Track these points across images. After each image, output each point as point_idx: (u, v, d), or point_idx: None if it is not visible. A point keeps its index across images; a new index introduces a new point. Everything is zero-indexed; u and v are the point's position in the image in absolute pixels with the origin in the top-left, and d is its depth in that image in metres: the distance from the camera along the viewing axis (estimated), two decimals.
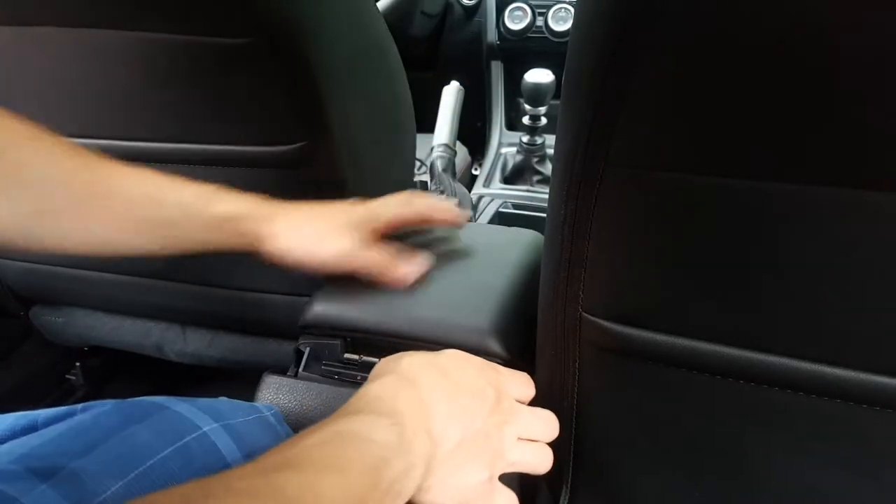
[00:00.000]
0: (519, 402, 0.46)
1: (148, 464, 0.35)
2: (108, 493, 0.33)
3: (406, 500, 0.34)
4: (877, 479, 0.40)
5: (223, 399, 0.44)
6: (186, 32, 0.50)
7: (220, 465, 0.38)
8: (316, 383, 0.52)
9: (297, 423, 0.49)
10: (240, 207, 0.50)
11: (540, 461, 0.44)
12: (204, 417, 0.40)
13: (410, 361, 0.40)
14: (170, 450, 0.36)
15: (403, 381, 0.38)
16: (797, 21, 0.26)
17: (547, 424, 0.46)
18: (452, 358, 0.42)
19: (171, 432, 0.38)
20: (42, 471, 0.32)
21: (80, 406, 0.40)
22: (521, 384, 0.47)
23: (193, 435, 0.38)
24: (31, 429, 0.38)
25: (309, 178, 0.59)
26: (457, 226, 0.58)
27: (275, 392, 0.50)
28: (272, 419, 0.45)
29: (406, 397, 0.37)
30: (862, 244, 0.31)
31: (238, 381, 0.49)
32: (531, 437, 0.44)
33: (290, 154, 0.57)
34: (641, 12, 0.28)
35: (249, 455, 0.40)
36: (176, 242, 0.50)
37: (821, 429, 0.39)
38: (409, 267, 0.53)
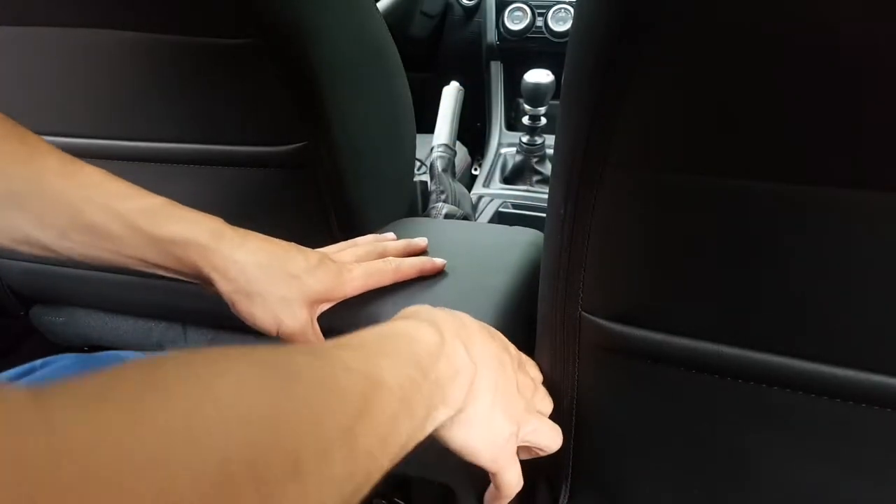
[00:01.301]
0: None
1: None
2: None
3: (454, 407, 0.35)
4: (877, 478, 0.40)
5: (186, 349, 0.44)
6: (187, 33, 0.50)
7: None
8: None
9: None
10: (189, 230, 0.45)
11: (554, 437, 0.45)
12: None
13: (431, 310, 0.40)
14: None
15: (429, 323, 0.38)
16: (797, 22, 0.26)
17: (550, 401, 0.47)
18: (471, 320, 0.42)
19: None
20: None
21: (39, 362, 0.39)
22: (532, 364, 0.48)
23: None
24: None
25: (309, 178, 0.59)
26: (432, 272, 0.55)
27: None
28: None
29: (444, 318, 0.38)
30: (861, 244, 0.31)
31: None
32: (543, 412, 0.45)
33: (289, 154, 0.57)
34: (641, 13, 0.28)
35: None
36: (113, 258, 0.45)
37: (820, 428, 0.39)
38: None
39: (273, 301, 0.46)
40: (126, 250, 0.44)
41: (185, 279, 0.47)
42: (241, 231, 0.47)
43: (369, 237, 0.57)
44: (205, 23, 0.49)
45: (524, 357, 0.47)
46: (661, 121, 0.32)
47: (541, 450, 0.45)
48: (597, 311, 0.41)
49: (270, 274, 0.46)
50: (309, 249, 0.50)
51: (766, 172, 0.31)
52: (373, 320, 0.52)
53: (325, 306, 0.50)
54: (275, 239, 0.48)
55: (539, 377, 0.48)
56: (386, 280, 0.52)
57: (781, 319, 0.36)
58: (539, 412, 0.45)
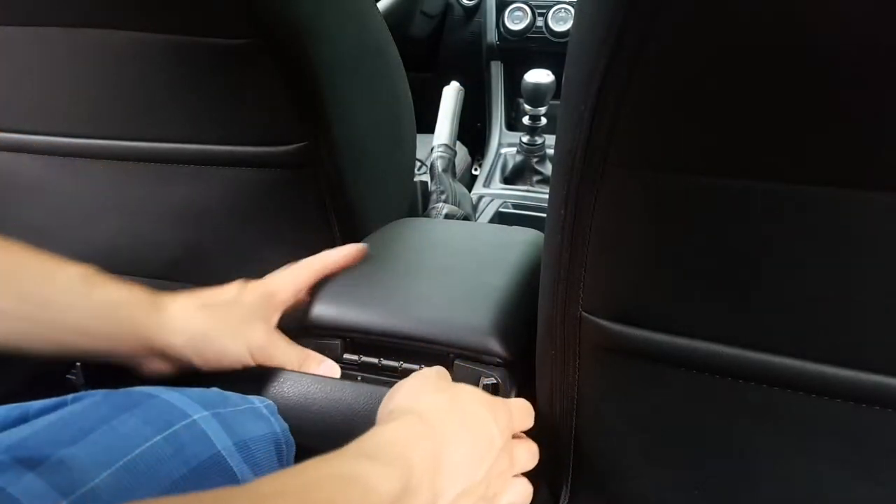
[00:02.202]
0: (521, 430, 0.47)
1: (136, 451, 0.35)
2: (96, 480, 0.33)
3: None
4: (877, 478, 0.40)
5: (214, 389, 0.44)
6: (187, 33, 0.50)
7: (209, 453, 0.37)
8: (320, 376, 0.52)
9: (301, 416, 0.49)
10: (121, 294, 0.45)
11: (526, 497, 0.45)
12: (193, 406, 0.39)
13: (434, 403, 0.39)
14: (159, 438, 0.36)
15: (424, 427, 0.37)
16: (797, 22, 0.26)
17: (534, 456, 0.46)
18: (471, 400, 0.41)
19: (160, 420, 0.37)
20: (29, 460, 0.32)
21: (70, 397, 0.40)
22: (524, 416, 0.46)
23: (183, 423, 0.38)
24: (22, 420, 0.38)
25: (309, 178, 0.59)
26: (359, 259, 0.56)
27: (279, 386, 0.50)
28: (265, 410, 0.45)
29: (422, 448, 0.36)
30: (862, 244, 0.31)
31: (239, 380, 0.49)
32: (520, 472, 0.45)
33: (290, 154, 0.57)
34: (641, 13, 0.28)
35: (240, 444, 0.39)
36: (46, 334, 0.44)
37: (821, 428, 0.39)
38: (325, 366, 0.52)
39: (233, 329, 0.48)
40: (61, 319, 0.43)
41: (117, 357, 0.46)
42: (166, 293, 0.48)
43: None
44: (205, 23, 0.49)
45: (516, 413, 0.45)
46: (661, 121, 0.32)
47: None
48: (597, 311, 0.41)
49: (215, 311, 0.48)
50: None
51: (765, 172, 0.31)
52: (374, 320, 0.53)
53: (276, 314, 0.51)
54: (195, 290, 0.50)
55: (529, 424, 0.47)
56: (313, 269, 0.53)
57: (782, 319, 0.36)
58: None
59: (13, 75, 0.58)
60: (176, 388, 0.41)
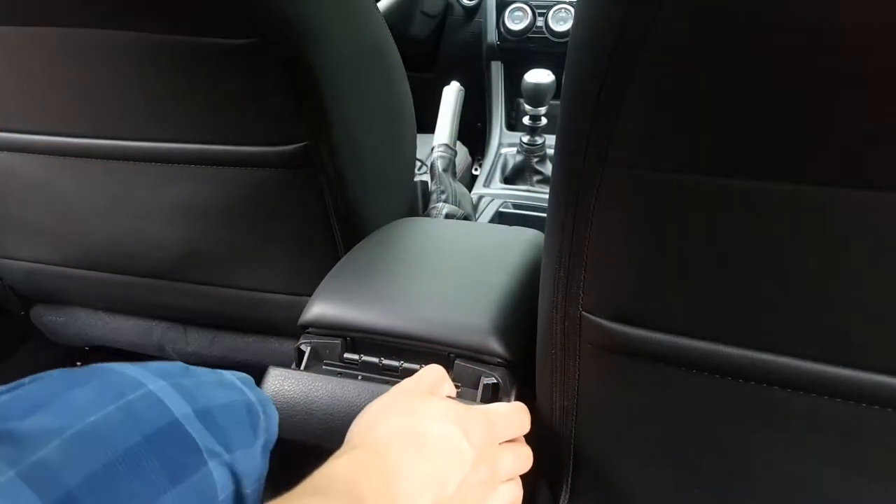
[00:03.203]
0: (517, 436, 0.46)
1: (87, 421, 0.34)
2: (45, 450, 0.32)
3: None
4: (876, 477, 0.40)
5: (178, 363, 0.43)
6: (187, 33, 0.50)
7: (166, 420, 0.36)
8: (322, 374, 0.52)
9: (303, 414, 0.49)
10: None
11: (512, 500, 0.44)
12: (151, 377, 0.38)
13: (387, 429, 0.39)
14: (112, 407, 0.35)
15: (373, 456, 0.37)
16: (796, 23, 0.26)
17: (526, 461, 0.46)
18: (436, 418, 0.40)
19: (114, 391, 0.36)
20: None
21: (28, 378, 0.39)
22: (516, 422, 0.46)
23: (138, 392, 0.37)
24: None
25: (309, 178, 0.59)
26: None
27: (280, 383, 0.50)
28: (236, 381, 0.44)
29: (371, 477, 0.36)
30: (862, 244, 0.31)
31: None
32: (510, 478, 0.44)
33: (290, 154, 0.57)
34: (641, 14, 0.28)
35: (201, 411, 0.38)
36: None
37: (820, 427, 0.39)
38: None
39: None
40: None
41: None
42: None
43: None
44: (206, 23, 0.49)
45: (503, 421, 0.44)
46: (661, 121, 0.32)
47: None
48: (597, 310, 0.41)
49: None
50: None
51: (766, 172, 0.31)
52: (374, 320, 0.53)
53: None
54: None
55: (525, 427, 0.46)
56: None
57: (782, 319, 0.36)
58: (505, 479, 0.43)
59: (14, 75, 0.58)
60: (135, 364, 0.40)
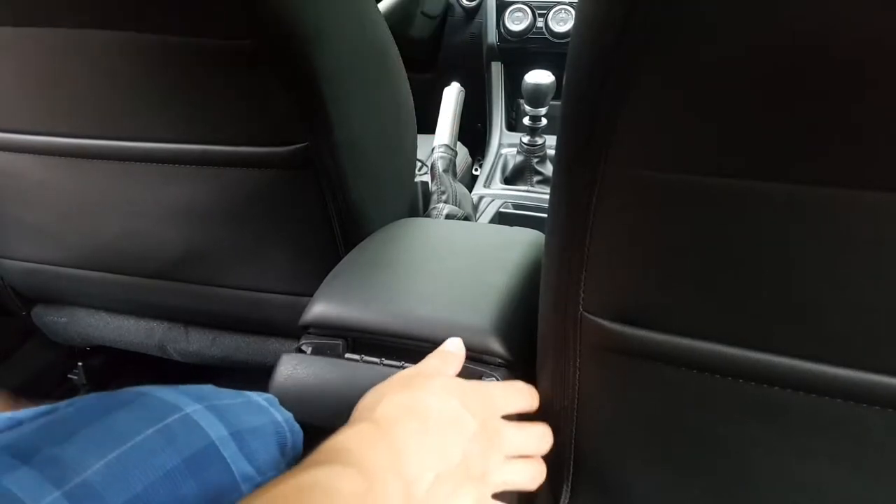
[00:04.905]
0: (521, 412, 0.46)
1: (129, 444, 0.35)
2: (89, 472, 0.33)
3: None
4: (877, 478, 0.40)
5: (209, 385, 0.44)
6: (188, 34, 0.50)
7: (203, 443, 0.38)
8: (335, 358, 0.52)
9: (316, 398, 0.49)
10: None
11: (531, 477, 0.45)
12: (186, 400, 0.40)
13: (389, 406, 0.40)
14: (151, 430, 0.36)
15: (377, 430, 0.38)
16: (797, 23, 0.26)
17: (539, 439, 0.46)
18: (437, 393, 0.41)
19: (152, 415, 0.38)
20: (23, 455, 0.33)
21: (63, 403, 0.40)
22: (517, 398, 0.46)
23: (175, 416, 0.38)
24: (15, 425, 0.38)
25: (310, 178, 0.59)
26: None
27: (292, 368, 0.50)
28: (263, 402, 0.45)
29: (377, 448, 0.36)
30: (862, 244, 0.31)
31: (241, 379, 0.49)
32: (521, 454, 0.45)
33: (291, 155, 0.57)
34: (641, 13, 0.28)
35: (236, 434, 0.39)
36: None
37: (821, 428, 0.39)
38: None
39: None
40: None
41: None
42: None
43: None
44: (207, 24, 0.49)
45: (504, 395, 0.45)
46: (661, 121, 0.32)
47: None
48: (597, 311, 0.41)
49: None
50: None
51: (766, 172, 0.31)
52: (375, 320, 0.53)
53: None
54: None
55: (529, 404, 0.46)
56: None
57: (781, 319, 0.36)
58: (515, 455, 0.44)
59: (15, 76, 0.58)
60: (169, 386, 0.41)
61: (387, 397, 0.40)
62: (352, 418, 0.40)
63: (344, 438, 0.37)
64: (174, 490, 0.34)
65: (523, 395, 0.47)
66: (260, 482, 0.38)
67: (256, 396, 0.45)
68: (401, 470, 0.36)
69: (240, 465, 0.38)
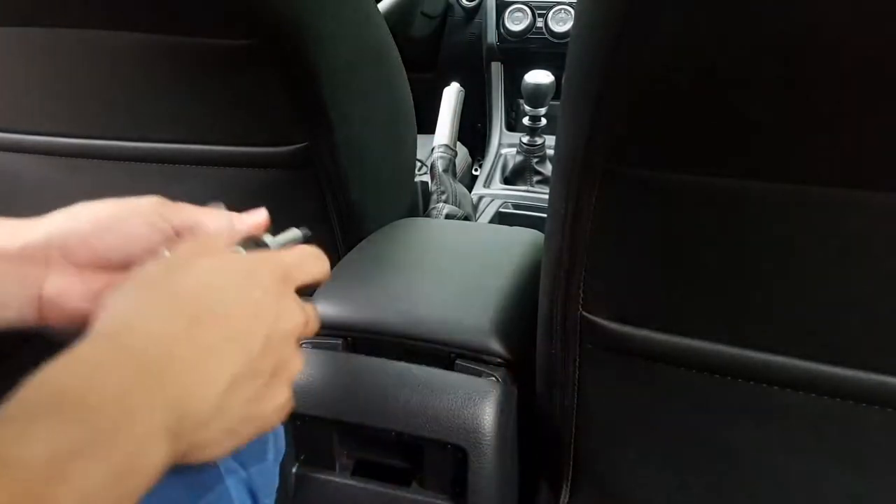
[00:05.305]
0: (317, 282, 0.37)
1: None
2: None
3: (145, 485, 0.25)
4: (875, 477, 0.40)
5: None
6: (189, 34, 0.50)
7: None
8: (336, 352, 0.52)
9: (315, 391, 0.49)
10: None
11: (316, 266, 0.36)
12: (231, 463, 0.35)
13: (140, 304, 0.29)
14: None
15: (118, 350, 0.27)
16: (797, 24, 0.26)
17: (316, 264, 0.36)
18: (215, 272, 0.31)
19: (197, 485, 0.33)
20: None
21: None
22: (311, 263, 0.36)
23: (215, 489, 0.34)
24: None
25: (310, 178, 0.59)
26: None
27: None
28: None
29: (111, 382, 0.25)
30: (862, 244, 0.31)
31: None
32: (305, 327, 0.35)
33: (291, 155, 0.57)
34: (642, 14, 0.28)
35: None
36: None
37: (820, 427, 0.39)
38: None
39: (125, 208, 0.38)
40: None
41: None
42: None
43: None
44: (207, 24, 0.49)
45: (292, 266, 0.34)
46: (661, 121, 0.32)
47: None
48: (597, 311, 0.41)
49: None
50: None
51: (766, 172, 0.31)
52: (375, 320, 0.53)
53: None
54: None
55: (322, 270, 0.37)
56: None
57: (781, 319, 0.36)
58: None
59: (16, 76, 0.58)
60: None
61: (133, 294, 0.29)
62: (92, 329, 0.29)
63: (63, 372, 0.26)
64: (157, 482, 0.33)
65: (318, 262, 0.37)
66: (245, 477, 0.37)
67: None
68: (161, 392, 0.26)
69: (223, 460, 0.36)
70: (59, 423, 0.23)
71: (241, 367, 0.29)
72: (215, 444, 0.29)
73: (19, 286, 0.33)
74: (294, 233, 0.40)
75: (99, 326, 0.28)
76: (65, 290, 0.34)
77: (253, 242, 0.37)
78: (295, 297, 0.34)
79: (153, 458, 0.25)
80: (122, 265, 0.34)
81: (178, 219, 0.37)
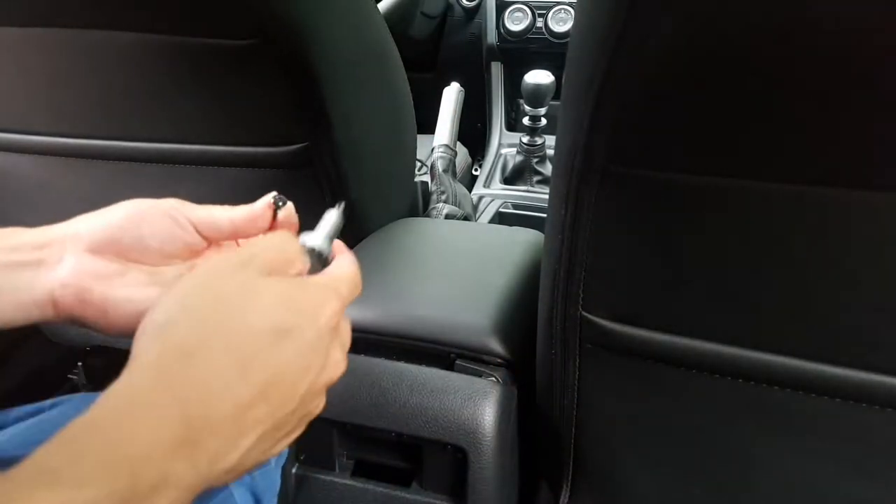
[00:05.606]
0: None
1: None
2: None
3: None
4: (876, 477, 0.40)
5: None
6: (189, 34, 0.50)
7: None
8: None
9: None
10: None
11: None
12: None
13: (189, 331, 0.26)
14: None
15: (163, 396, 0.24)
16: (797, 24, 0.26)
17: (358, 289, 0.35)
18: (272, 308, 0.28)
19: None
20: (4, 461, 0.31)
21: (48, 402, 0.39)
22: (357, 283, 0.35)
23: None
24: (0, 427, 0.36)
25: (310, 178, 0.59)
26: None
27: None
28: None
29: (149, 438, 0.23)
30: (862, 244, 0.31)
31: None
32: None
33: (291, 155, 0.57)
34: (641, 14, 0.28)
35: None
36: None
37: (820, 427, 0.39)
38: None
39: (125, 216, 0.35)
40: None
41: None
42: None
43: None
44: (207, 24, 0.49)
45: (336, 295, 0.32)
46: (661, 122, 0.32)
47: None
48: (597, 310, 0.41)
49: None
50: None
51: (766, 172, 0.31)
52: (375, 319, 0.53)
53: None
54: None
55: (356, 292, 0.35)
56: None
57: (782, 319, 0.36)
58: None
59: (15, 76, 0.58)
60: None
61: (188, 315, 0.27)
62: (132, 356, 0.27)
63: (102, 410, 0.24)
64: None
65: (360, 287, 0.35)
66: (248, 481, 0.37)
67: None
68: (193, 450, 0.24)
69: None
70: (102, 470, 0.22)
71: (270, 426, 0.27)
72: (226, 480, 0.27)
73: (33, 273, 0.33)
74: (333, 217, 0.37)
75: (146, 349, 0.26)
76: (75, 272, 0.33)
77: (317, 256, 0.35)
78: (341, 339, 0.32)
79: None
80: (137, 257, 0.34)
81: (197, 217, 0.35)
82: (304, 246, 0.34)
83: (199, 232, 0.35)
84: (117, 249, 0.33)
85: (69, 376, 0.98)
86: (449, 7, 1.47)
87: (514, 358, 0.50)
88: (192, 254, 0.36)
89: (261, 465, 0.28)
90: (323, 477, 0.54)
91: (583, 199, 0.36)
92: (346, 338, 0.32)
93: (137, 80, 0.55)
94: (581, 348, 0.44)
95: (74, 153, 0.62)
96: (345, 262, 0.35)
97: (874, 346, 0.35)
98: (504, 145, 1.36)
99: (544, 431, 0.51)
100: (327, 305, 0.30)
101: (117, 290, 0.32)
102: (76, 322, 0.34)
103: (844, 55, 0.26)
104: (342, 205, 0.37)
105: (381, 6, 1.22)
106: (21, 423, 0.36)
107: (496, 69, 1.43)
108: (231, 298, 0.27)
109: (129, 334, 0.30)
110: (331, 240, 0.36)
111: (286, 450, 0.42)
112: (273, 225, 0.37)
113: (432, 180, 0.94)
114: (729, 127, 0.30)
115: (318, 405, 0.30)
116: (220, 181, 0.61)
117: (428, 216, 0.88)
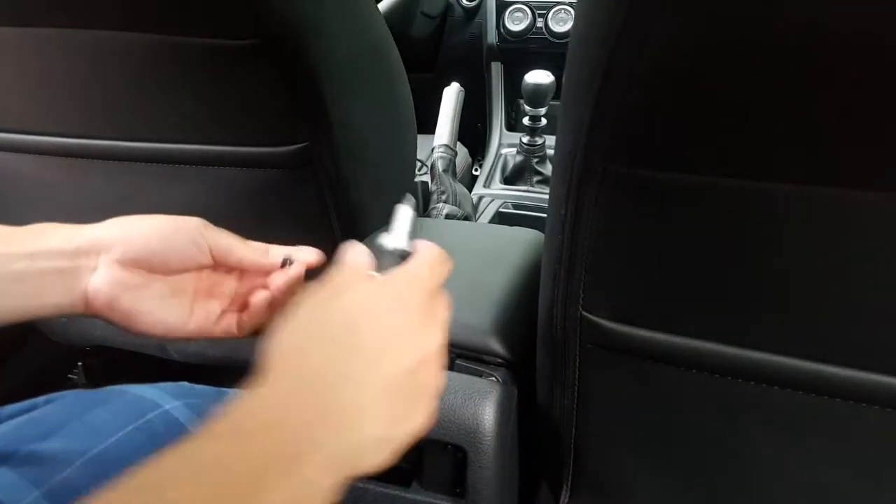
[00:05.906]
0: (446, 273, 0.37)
1: (109, 441, 0.35)
2: (68, 471, 0.32)
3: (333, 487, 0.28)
4: (876, 476, 0.40)
5: (184, 383, 0.42)
6: (189, 34, 0.50)
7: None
8: None
9: None
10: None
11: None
12: (165, 397, 0.39)
13: (313, 350, 0.31)
14: (131, 427, 0.36)
15: (297, 384, 0.30)
16: (797, 24, 0.26)
17: (445, 268, 0.36)
18: (369, 313, 0.32)
19: (132, 412, 0.37)
20: (0, 455, 0.32)
21: (42, 399, 0.39)
22: (441, 265, 0.36)
23: (155, 412, 0.38)
24: None
25: (310, 178, 0.59)
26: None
27: None
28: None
29: (298, 405, 0.29)
30: (861, 244, 0.31)
31: (241, 379, 0.49)
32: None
33: (291, 155, 0.57)
34: (641, 14, 0.28)
35: None
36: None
37: (820, 427, 0.39)
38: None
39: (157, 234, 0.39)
40: None
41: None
42: None
43: None
44: (207, 24, 0.49)
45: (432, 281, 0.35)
46: (661, 121, 0.32)
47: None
48: (597, 310, 0.41)
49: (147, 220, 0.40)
50: None
51: (766, 173, 0.31)
52: None
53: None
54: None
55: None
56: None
57: (781, 319, 0.36)
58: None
59: (16, 76, 0.58)
60: (146, 385, 0.40)
61: (301, 334, 0.32)
62: (267, 371, 0.31)
63: (255, 401, 0.29)
64: None
65: (447, 264, 0.37)
66: None
67: (232, 392, 0.44)
68: (337, 422, 0.29)
69: None
70: (261, 437, 0.26)
71: (384, 394, 0.30)
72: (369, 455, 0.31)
73: (72, 279, 0.37)
74: (409, 214, 0.37)
75: (277, 362, 0.31)
76: (108, 283, 0.38)
77: (398, 256, 0.36)
78: (439, 316, 0.34)
79: (328, 475, 0.28)
80: (161, 271, 0.39)
81: (215, 242, 0.41)
82: (384, 247, 0.37)
83: (212, 255, 0.40)
84: (145, 266, 0.38)
85: (69, 376, 0.98)
86: (449, 7, 1.47)
87: (514, 358, 0.50)
88: (199, 268, 0.41)
89: (396, 445, 0.32)
90: None
91: (583, 199, 0.36)
92: (441, 313, 0.35)
93: (137, 80, 0.55)
94: (581, 348, 0.44)
95: (74, 153, 0.62)
96: (424, 248, 0.37)
97: (874, 346, 0.35)
98: (504, 145, 1.36)
99: (544, 431, 0.51)
100: (409, 288, 0.33)
101: (141, 302, 0.37)
102: (103, 319, 0.38)
103: (844, 55, 0.26)
104: (411, 199, 0.38)
105: (381, 6, 1.22)
106: (15, 419, 0.36)
107: (496, 69, 1.43)
108: (330, 304, 0.33)
109: (148, 336, 0.38)
110: (411, 237, 0.37)
111: None
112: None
113: (432, 180, 0.94)
114: (728, 127, 0.30)
115: (433, 377, 0.33)
116: (220, 181, 0.61)
117: (428, 216, 0.88)
